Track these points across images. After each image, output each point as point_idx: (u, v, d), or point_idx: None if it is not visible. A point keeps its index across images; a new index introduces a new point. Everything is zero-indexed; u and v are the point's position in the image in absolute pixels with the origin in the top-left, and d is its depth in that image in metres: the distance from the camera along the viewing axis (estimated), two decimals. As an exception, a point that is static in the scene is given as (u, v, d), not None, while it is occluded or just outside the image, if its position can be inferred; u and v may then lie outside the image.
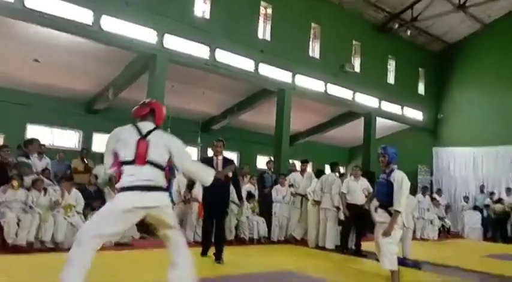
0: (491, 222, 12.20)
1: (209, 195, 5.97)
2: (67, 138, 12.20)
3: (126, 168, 3.09)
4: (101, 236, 3.01)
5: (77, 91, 11.60)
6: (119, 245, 6.72)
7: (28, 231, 5.71)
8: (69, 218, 6.16)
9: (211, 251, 5.98)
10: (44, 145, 8.59)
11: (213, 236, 6.09)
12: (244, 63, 11.00)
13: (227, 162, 6.16)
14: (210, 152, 14.59)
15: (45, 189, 6.21)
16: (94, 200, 7.73)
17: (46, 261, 5.21)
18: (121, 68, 10.54)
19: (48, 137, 11.50)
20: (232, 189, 6.32)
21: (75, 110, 11.99)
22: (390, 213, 4.59)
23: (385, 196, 4.67)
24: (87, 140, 12.21)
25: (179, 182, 7.63)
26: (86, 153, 9.16)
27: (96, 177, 8.22)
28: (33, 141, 7.39)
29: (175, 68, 9.97)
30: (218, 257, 5.84)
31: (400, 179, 4.60)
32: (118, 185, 3.10)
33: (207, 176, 3.35)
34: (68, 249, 5.92)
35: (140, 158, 3.06)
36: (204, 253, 6.14)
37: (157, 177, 3.09)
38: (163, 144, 3.16)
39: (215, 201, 5.89)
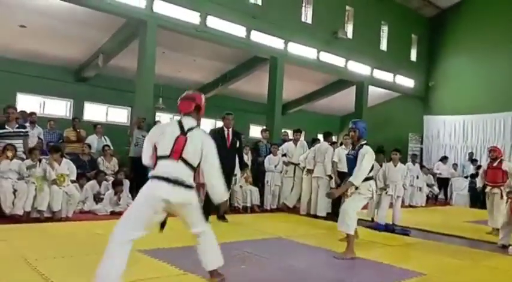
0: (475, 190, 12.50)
1: None
2: (58, 107, 12.08)
3: (160, 162, 3.07)
4: (132, 235, 3.00)
5: (65, 58, 11.39)
6: (115, 214, 6.83)
7: (25, 201, 5.74)
8: (64, 187, 6.19)
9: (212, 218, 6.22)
10: (35, 114, 8.51)
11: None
12: (236, 30, 10.81)
13: (236, 134, 6.79)
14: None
15: (39, 160, 6.19)
16: (88, 169, 7.78)
17: (43, 230, 5.31)
18: (110, 34, 10.32)
19: (38, 105, 11.38)
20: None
21: (64, 78, 11.83)
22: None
23: (353, 171, 4.76)
24: (78, 109, 12.13)
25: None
26: (78, 122, 9.09)
27: (89, 146, 8.22)
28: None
29: (166, 34, 9.79)
30: (222, 217, 6.59)
31: (362, 155, 4.65)
32: (150, 174, 3.09)
33: (220, 196, 3.28)
34: (64, 218, 6.06)
35: (176, 153, 3.04)
36: (205, 218, 6.38)
37: (187, 176, 3.06)
38: (200, 145, 3.12)
39: (223, 168, 6.13)
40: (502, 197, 6.81)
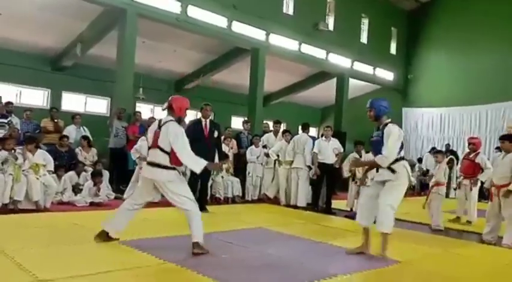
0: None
1: (196, 153, 6.28)
2: (35, 97, 11.81)
3: (148, 151, 4.22)
4: (134, 205, 4.27)
5: (42, 46, 11.13)
6: (94, 205, 6.78)
7: (2, 192, 5.65)
8: (40, 177, 6.09)
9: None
10: (11, 103, 8.31)
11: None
12: (217, 20, 10.74)
13: (214, 125, 6.87)
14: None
15: (14, 150, 6.06)
16: (66, 160, 7.67)
17: (21, 221, 5.24)
18: (88, 22, 10.13)
19: (15, 95, 11.10)
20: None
21: (41, 67, 11.56)
22: (392, 170, 4.20)
23: (379, 148, 4.21)
24: (56, 99, 11.87)
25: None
26: (55, 112, 8.92)
27: (67, 138, 8.09)
28: None
29: (146, 24, 9.66)
30: (203, 207, 6.43)
31: (387, 134, 4.17)
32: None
33: (196, 168, 4.09)
34: (42, 209, 5.97)
35: (154, 143, 4.09)
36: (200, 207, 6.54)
37: (163, 159, 4.01)
38: (167, 134, 4.00)
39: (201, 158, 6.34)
40: (471, 188, 7.00)
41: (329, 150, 7.83)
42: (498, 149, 13.03)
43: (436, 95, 15.74)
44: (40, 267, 3.25)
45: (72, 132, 8.49)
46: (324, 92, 15.65)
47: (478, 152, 7.12)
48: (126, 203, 4.34)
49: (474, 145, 7.15)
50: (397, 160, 4.21)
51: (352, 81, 14.95)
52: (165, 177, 4.02)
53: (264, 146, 8.80)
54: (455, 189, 8.74)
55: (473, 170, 7.00)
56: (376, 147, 4.30)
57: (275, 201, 8.50)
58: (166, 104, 4.27)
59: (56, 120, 8.66)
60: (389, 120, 4.35)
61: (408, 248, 4.89)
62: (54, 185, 6.34)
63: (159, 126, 4.12)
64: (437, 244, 5.31)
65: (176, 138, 3.99)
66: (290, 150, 8.19)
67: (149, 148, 4.19)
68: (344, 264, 4.04)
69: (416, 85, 16.80)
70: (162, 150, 4.02)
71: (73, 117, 8.90)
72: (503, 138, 5.77)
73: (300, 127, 8.74)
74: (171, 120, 4.13)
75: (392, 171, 4.20)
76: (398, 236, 5.64)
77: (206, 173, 6.78)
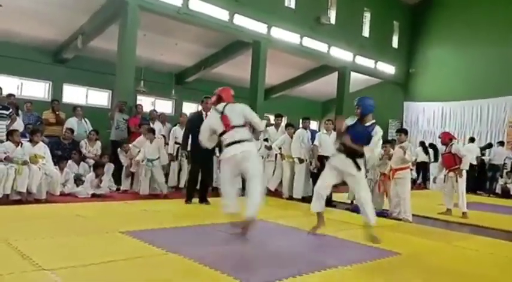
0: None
1: (197, 146, 6.40)
2: (36, 89, 11.82)
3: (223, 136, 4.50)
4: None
5: (43, 39, 11.12)
6: (96, 197, 6.82)
7: (4, 183, 5.68)
8: (42, 166, 6.12)
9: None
10: (13, 95, 8.33)
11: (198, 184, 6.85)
12: (219, 13, 10.72)
13: None
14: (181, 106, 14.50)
15: (20, 143, 6.11)
16: (68, 152, 7.70)
17: (24, 212, 5.28)
18: (89, 14, 10.11)
19: (16, 87, 11.11)
20: None
21: (42, 59, 11.57)
22: (358, 167, 4.63)
23: (361, 141, 4.59)
24: (57, 91, 11.89)
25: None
26: (57, 104, 8.94)
27: (71, 131, 8.12)
28: None
29: (147, 16, 9.64)
30: (204, 199, 6.69)
31: (377, 131, 4.66)
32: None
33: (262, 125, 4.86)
34: (44, 200, 6.01)
35: (227, 126, 4.43)
36: (188, 199, 6.71)
37: (245, 133, 4.46)
38: (238, 113, 4.50)
39: (202, 150, 6.33)
40: (457, 180, 7.13)
41: (330, 143, 7.83)
42: (500, 143, 13.10)
43: (438, 89, 15.72)
44: (43, 256, 3.28)
45: (73, 124, 8.52)
46: (325, 86, 15.64)
47: (452, 144, 7.30)
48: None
49: (441, 139, 7.50)
50: (362, 155, 4.71)
51: (354, 75, 14.93)
52: (253, 148, 4.52)
53: (266, 139, 8.80)
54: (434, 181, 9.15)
55: (453, 161, 7.19)
56: (359, 138, 4.62)
57: (276, 193, 8.53)
58: (214, 97, 4.70)
59: (57, 112, 8.68)
60: (374, 121, 4.79)
61: (409, 241, 4.92)
62: (58, 174, 6.37)
63: (222, 113, 4.47)
64: (438, 237, 5.34)
65: (248, 110, 4.56)
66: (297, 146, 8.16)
67: (223, 133, 4.45)
68: (344, 255, 4.06)
69: (417, 79, 16.77)
70: (239, 127, 4.42)
71: (74, 109, 8.92)
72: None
73: (300, 121, 8.76)
74: (228, 103, 4.55)
75: (358, 167, 4.64)
76: (398, 228, 5.68)
77: (208, 165, 6.94)
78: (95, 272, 3.05)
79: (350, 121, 4.79)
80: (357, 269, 3.59)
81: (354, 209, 7.05)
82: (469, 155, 8.21)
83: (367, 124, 4.72)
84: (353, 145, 4.59)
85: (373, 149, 4.69)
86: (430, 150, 13.54)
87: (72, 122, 8.55)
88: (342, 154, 4.69)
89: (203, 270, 3.24)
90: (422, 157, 13.11)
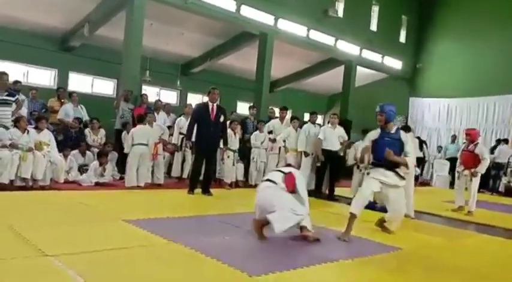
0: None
1: (202, 137, 6.69)
2: (42, 77, 11.84)
3: None
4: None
5: (50, 26, 11.11)
6: (100, 185, 6.86)
7: (9, 169, 5.71)
8: (47, 154, 6.15)
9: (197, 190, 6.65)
10: (19, 82, 8.34)
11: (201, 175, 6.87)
12: (226, 4, 10.65)
13: (220, 109, 6.85)
14: (189, 97, 14.48)
15: (27, 130, 6.14)
16: (75, 141, 7.75)
17: (28, 199, 5.32)
18: (96, 2, 10.09)
19: (22, 74, 11.13)
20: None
21: (48, 47, 11.57)
22: (401, 177, 4.61)
23: (395, 149, 4.55)
24: (63, 79, 11.90)
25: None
26: (62, 92, 8.94)
27: (80, 121, 8.15)
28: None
29: (154, 6, 9.60)
30: (207, 190, 6.74)
31: (405, 139, 4.66)
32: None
33: None
34: (48, 187, 6.05)
35: None
36: (191, 190, 6.73)
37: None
38: None
39: (207, 141, 6.67)
40: (471, 179, 7.05)
41: (334, 137, 7.83)
42: (505, 141, 13.02)
43: (444, 85, 15.59)
44: (46, 243, 3.31)
45: (69, 110, 8.46)
46: (331, 80, 15.56)
47: (477, 143, 7.13)
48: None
49: (470, 136, 7.17)
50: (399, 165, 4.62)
51: (359, 69, 14.83)
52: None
53: (270, 132, 8.79)
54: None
55: (472, 161, 7.04)
56: (389, 147, 4.52)
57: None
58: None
59: (62, 100, 8.69)
60: (397, 126, 4.80)
61: (410, 236, 4.92)
62: (63, 161, 6.41)
63: None
64: (440, 233, 5.34)
65: None
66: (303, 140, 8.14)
67: None
68: (345, 249, 4.08)
69: (424, 74, 16.63)
70: None
71: (70, 95, 8.84)
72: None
73: (306, 115, 8.72)
74: None
75: (402, 177, 4.63)
76: (401, 224, 5.68)
77: (212, 157, 7.05)
78: (97, 259, 3.08)
79: (374, 134, 4.72)
80: (358, 262, 3.60)
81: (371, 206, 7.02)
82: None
83: (392, 131, 4.70)
84: (396, 158, 4.54)
85: (413, 162, 4.73)
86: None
87: (67, 108, 8.46)
88: (380, 168, 4.58)
89: (205, 260, 3.26)
90: (417, 153, 13.01)
